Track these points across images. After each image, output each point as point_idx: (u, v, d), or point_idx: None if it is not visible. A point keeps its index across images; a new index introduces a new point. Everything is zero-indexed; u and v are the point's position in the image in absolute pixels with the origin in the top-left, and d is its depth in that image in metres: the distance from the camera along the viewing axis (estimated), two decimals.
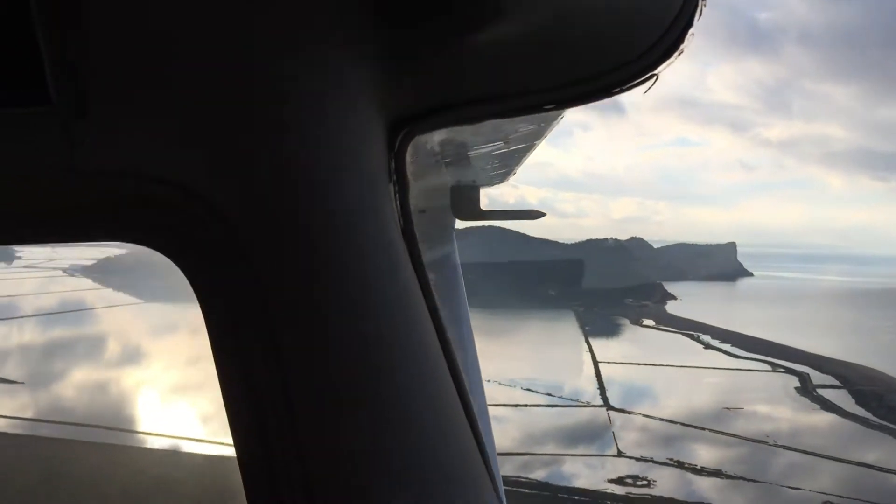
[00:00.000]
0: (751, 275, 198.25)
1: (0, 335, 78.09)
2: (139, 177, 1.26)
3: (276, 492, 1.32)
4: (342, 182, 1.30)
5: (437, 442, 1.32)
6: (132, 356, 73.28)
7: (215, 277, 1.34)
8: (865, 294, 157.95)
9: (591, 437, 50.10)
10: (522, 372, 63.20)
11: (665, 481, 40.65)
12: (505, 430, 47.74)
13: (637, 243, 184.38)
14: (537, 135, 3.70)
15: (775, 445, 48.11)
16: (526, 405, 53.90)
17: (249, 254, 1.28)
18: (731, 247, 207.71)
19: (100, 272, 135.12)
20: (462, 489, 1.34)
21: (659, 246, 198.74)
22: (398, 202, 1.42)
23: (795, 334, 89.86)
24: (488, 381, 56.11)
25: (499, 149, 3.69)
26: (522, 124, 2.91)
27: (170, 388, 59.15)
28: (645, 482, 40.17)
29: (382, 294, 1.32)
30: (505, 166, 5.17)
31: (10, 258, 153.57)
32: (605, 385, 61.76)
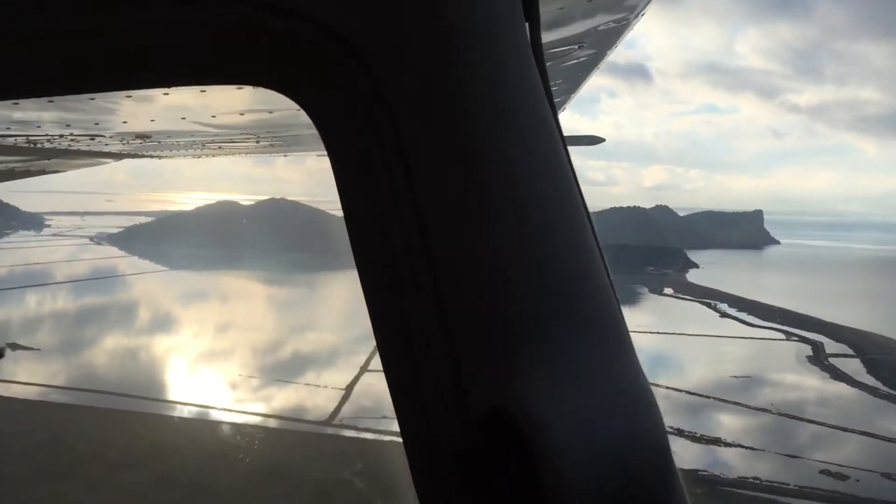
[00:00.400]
0: (777, 243, 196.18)
1: (26, 302, 79.67)
2: (264, 6, 1.21)
3: (409, 350, 1.30)
4: (493, 39, 1.23)
5: (591, 272, 1.24)
6: (157, 323, 74.62)
7: (347, 124, 1.31)
8: (895, 262, 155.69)
9: None
10: None
11: None
12: None
13: (662, 211, 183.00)
14: (595, 60, 3.81)
15: (779, 414, 48.08)
16: None
17: (387, 98, 1.24)
18: (758, 214, 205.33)
19: (125, 240, 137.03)
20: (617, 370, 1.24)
21: (685, 214, 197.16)
22: (539, 70, 1.34)
23: (816, 303, 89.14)
24: None
25: (569, 56, 3.63)
26: (602, 23, 2.94)
27: (192, 355, 60.27)
28: None
29: (525, 150, 1.24)
30: (563, 91, 5.29)
31: (39, 226, 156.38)
32: None
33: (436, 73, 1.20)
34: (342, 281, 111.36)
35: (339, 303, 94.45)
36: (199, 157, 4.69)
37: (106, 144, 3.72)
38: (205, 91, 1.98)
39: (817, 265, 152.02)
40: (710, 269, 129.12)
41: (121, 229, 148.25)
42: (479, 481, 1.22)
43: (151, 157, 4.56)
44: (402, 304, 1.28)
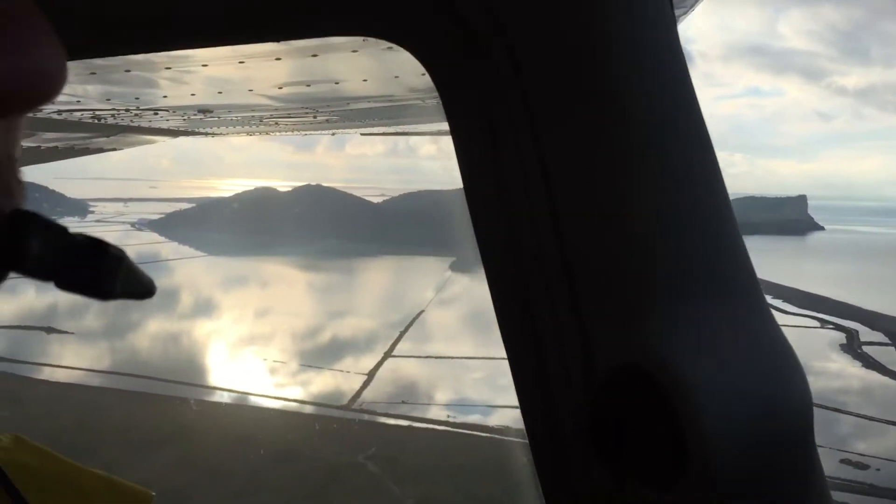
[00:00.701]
0: (822, 228, 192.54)
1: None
2: None
3: (524, 270, 1.25)
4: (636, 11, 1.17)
5: (725, 228, 1.21)
6: (192, 307, 75.97)
7: (462, 71, 1.27)
8: None
9: None
10: None
11: None
12: None
13: None
14: None
15: None
16: None
17: (522, 67, 1.19)
18: (802, 200, 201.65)
19: (166, 226, 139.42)
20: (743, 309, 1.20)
21: None
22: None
23: (856, 290, 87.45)
24: None
25: None
26: None
27: (220, 339, 61.28)
28: None
29: (663, 112, 1.19)
30: None
31: (83, 212, 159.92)
32: None
33: (580, 42, 1.14)
34: (374, 268, 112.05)
35: (370, 289, 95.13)
36: (253, 133, 4.67)
37: (167, 120, 3.69)
38: (279, 59, 1.96)
39: (861, 251, 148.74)
40: (751, 255, 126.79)
41: (162, 216, 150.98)
42: (612, 441, 1.19)
43: (207, 134, 4.52)
44: (520, 261, 1.25)
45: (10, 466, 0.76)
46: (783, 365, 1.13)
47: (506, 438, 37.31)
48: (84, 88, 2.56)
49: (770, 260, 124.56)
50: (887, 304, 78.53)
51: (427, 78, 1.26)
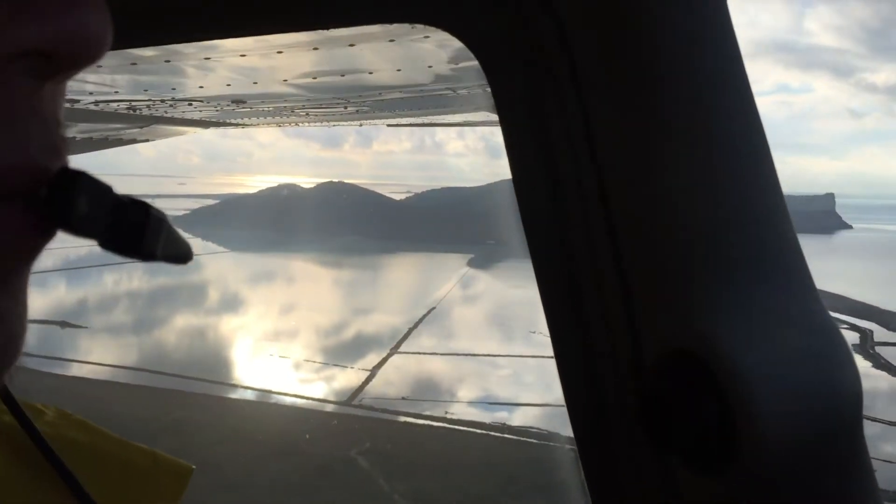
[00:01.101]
0: (850, 227, 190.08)
1: (82, 284, 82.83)
2: None
3: (571, 261, 1.28)
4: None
5: (775, 215, 1.21)
6: (206, 302, 76.96)
7: (511, 54, 1.30)
8: None
9: None
10: None
11: None
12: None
13: None
14: None
15: None
16: None
17: (573, 51, 1.21)
18: (829, 198, 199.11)
19: (190, 223, 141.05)
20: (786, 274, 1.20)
21: None
22: None
23: (877, 290, 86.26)
24: (532, 332, 56.58)
25: None
26: None
27: (224, 333, 62.03)
28: None
29: (717, 105, 1.17)
30: None
31: None
32: None
33: (628, 19, 1.14)
34: (392, 265, 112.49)
35: (385, 286, 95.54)
36: (283, 125, 4.71)
37: (200, 111, 3.65)
38: (317, 49, 1.93)
39: (889, 250, 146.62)
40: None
41: (186, 212, 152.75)
42: (661, 426, 1.18)
43: (237, 125, 4.52)
44: (568, 247, 1.27)
45: (55, 441, 0.76)
46: (834, 353, 1.15)
47: (503, 436, 37.45)
48: (123, 79, 2.53)
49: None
50: None
51: (459, 67, 1.45)
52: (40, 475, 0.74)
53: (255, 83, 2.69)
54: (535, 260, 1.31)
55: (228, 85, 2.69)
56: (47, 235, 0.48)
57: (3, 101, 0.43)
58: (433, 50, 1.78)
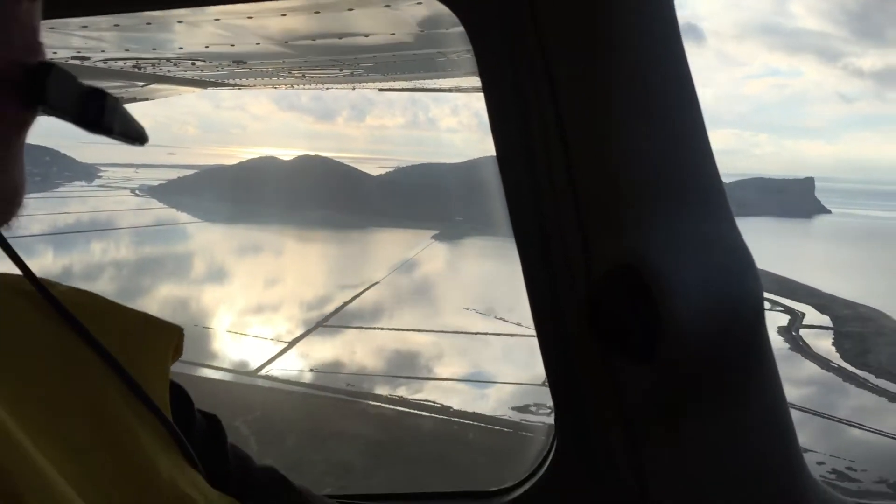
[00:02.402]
0: (829, 212, 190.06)
1: (40, 250, 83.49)
2: None
3: (539, 195, 1.48)
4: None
5: (702, 161, 1.40)
6: (168, 271, 77.64)
7: (493, 23, 1.45)
8: None
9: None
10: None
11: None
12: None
13: None
14: None
15: None
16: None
17: (544, 29, 1.39)
18: (809, 182, 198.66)
19: (164, 193, 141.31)
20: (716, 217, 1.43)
21: (732, 180, 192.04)
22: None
23: (829, 273, 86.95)
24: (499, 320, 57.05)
25: None
26: None
27: (165, 303, 62.78)
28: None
29: (658, 73, 1.38)
30: None
31: (91, 177, 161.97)
32: None
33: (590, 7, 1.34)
34: (355, 239, 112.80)
35: (340, 259, 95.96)
36: (278, 86, 4.76)
37: (202, 70, 3.76)
38: (318, 13, 2.06)
39: (857, 235, 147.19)
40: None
41: (163, 182, 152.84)
42: (605, 324, 1.42)
43: (235, 85, 4.57)
44: (535, 182, 1.47)
45: (67, 303, 0.91)
46: (741, 266, 1.38)
47: (389, 407, 38.22)
48: (135, 36, 2.61)
49: (758, 243, 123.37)
50: (854, 287, 77.94)
51: (451, 32, 1.60)
52: (59, 328, 0.89)
53: (258, 44, 2.75)
54: (507, 195, 1.53)
55: (232, 45, 2.76)
56: (32, 110, 0.64)
57: None
58: (427, 14, 1.90)
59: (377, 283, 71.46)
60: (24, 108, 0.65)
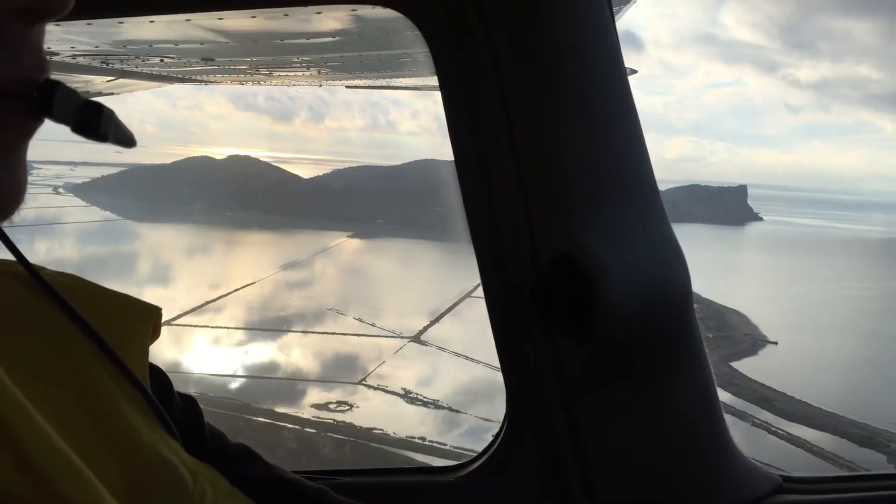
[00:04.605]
0: (761, 220, 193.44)
1: None
2: None
3: (491, 190, 1.58)
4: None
5: (638, 163, 1.50)
6: (71, 265, 77.44)
7: (450, 33, 1.55)
8: (869, 243, 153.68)
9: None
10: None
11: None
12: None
13: None
14: None
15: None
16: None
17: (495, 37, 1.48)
18: (742, 190, 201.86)
19: (87, 191, 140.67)
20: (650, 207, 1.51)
21: (667, 188, 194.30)
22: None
23: (730, 280, 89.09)
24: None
25: None
26: None
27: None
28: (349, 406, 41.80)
29: (596, 83, 1.48)
30: None
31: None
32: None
33: (533, 17, 1.45)
34: (260, 241, 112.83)
35: (234, 260, 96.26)
36: (245, 83, 4.77)
37: (170, 67, 3.79)
38: (287, 15, 2.16)
39: (779, 243, 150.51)
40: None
41: (87, 180, 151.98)
42: (548, 307, 1.50)
43: (201, 82, 4.60)
44: (488, 178, 1.57)
45: (54, 284, 0.98)
46: (670, 255, 1.50)
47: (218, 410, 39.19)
48: (106, 32, 2.65)
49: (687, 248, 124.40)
50: (738, 293, 79.97)
51: (414, 34, 1.63)
52: (48, 308, 0.95)
53: (227, 42, 2.80)
54: (462, 189, 1.62)
55: (202, 44, 2.79)
56: (38, 120, 0.72)
57: (6, 37, 0.67)
58: (391, 16, 1.99)
59: (253, 283, 72.15)
60: (33, 118, 0.72)
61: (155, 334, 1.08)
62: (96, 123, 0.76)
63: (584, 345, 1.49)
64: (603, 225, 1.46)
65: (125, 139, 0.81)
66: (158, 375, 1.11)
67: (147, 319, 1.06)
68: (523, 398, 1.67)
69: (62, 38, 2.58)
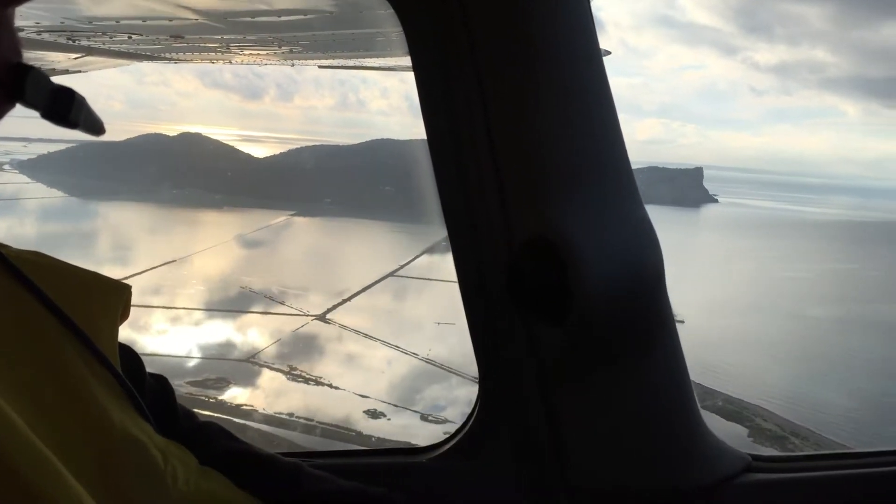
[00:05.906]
0: (716, 201, 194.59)
1: None
2: None
3: (465, 172, 1.55)
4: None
5: (613, 147, 1.50)
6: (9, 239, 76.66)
7: (424, 12, 1.50)
8: (825, 226, 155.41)
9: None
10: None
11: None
12: None
13: None
14: None
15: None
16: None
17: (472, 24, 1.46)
18: (698, 172, 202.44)
19: (34, 168, 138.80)
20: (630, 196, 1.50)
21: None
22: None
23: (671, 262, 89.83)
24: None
25: None
26: None
27: None
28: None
29: (574, 70, 1.46)
30: None
31: None
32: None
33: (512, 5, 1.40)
34: (203, 220, 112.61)
35: (171, 237, 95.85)
36: (215, 61, 4.69)
37: (138, 45, 3.74)
38: None
39: (731, 225, 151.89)
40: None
41: (33, 156, 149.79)
42: (523, 289, 1.50)
43: (170, 59, 4.61)
44: (462, 160, 1.55)
45: (18, 262, 0.97)
46: (643, 239, 1.51)
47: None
48: (71, 8, 2.61)
49: None
50: (680, 273, 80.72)
51: (388, 13, 1.59)
52: (11, 287, 0.93)
53: (197, 20, 2.75)
54: (436, 171, 1.61)
55: (170, 21, 2.75)
56: (11, 102, 0.73)
57: None
58: None
59: (173, 261, 71.67)
60: (4, 102, 0.73)
61: (125, 314, 1.07)
62: (67, 110, 0.77)
63: (559, 327, 1.50)
64: (578, 207, 1.49)
65: (95, 127, 0.81)
66: (129, 355, 1.12)
67: (116, 297, 1.05)
68: (497, 380, 1.68)
69: (26, 13, 2.45)
